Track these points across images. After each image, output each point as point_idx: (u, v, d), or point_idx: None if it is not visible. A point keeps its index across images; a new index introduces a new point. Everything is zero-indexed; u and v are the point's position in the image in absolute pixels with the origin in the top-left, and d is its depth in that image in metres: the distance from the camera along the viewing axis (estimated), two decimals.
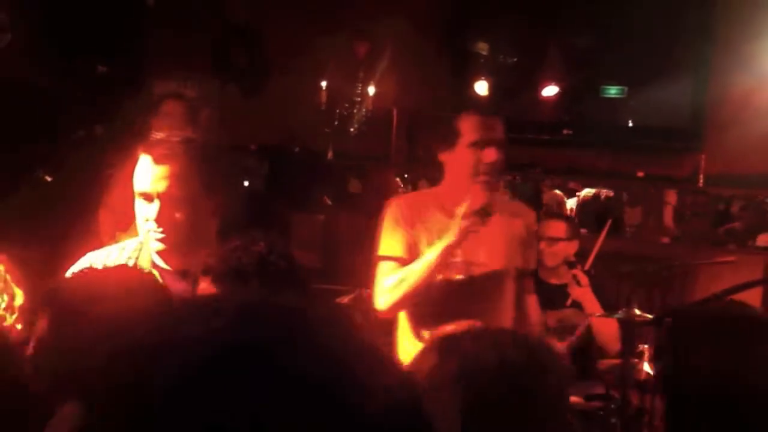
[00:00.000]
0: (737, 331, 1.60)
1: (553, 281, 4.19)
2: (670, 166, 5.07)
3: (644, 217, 5.16)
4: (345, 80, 5.53)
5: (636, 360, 3.71)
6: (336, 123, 5.53)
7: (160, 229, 2.12)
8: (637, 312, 3.62)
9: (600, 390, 3.63)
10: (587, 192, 5.34)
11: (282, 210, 5.76)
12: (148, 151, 2.13)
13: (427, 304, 2.78)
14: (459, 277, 2.79)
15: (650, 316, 3.43)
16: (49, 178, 4.29)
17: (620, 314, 3.55)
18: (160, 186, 2.11)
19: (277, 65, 5.85)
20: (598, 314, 3.65)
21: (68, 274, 2.12)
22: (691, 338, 1.61)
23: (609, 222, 4.47)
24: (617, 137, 5.18)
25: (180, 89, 4.40)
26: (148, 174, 2.13)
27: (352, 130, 5.52)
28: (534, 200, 5.53)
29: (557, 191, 5.36)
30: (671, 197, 5.07)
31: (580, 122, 5.28)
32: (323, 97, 5.53)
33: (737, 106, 4.78)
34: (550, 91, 5.31)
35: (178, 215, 2.13)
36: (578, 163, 5.31)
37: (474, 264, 2.81)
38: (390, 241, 2.78)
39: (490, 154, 2.72)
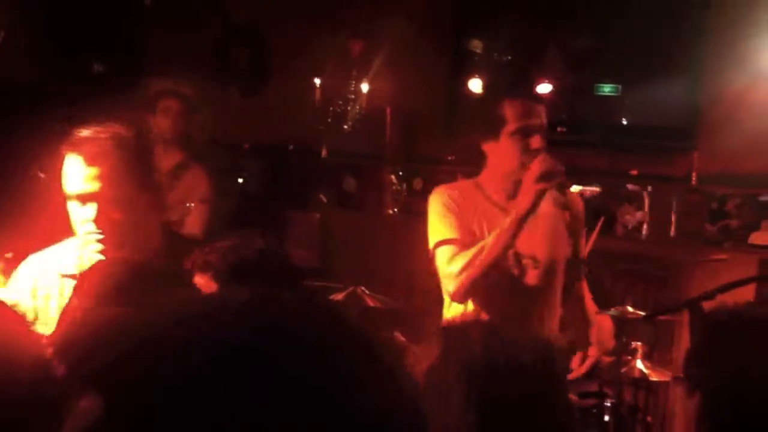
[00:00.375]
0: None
1: None
2: (664, 165, 5.07)
3: (638, 216, 5.17)
4: (339, 78, 5.53)
5: (629, 357, 3.73)
6: (330, 121, 5.52)
7: (99, 231, 2.04)
8: (630, 309, 3.64)
9: (594, 387, 3.64)
10: (578, 189, 5.33)
11: (277, 208, 5.76)
12: (74, 150, 2.03)
13: (478, 301, 2.75)
14: (513, 271, 2.75)
15: (643, 314, 3.46)
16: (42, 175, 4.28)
17: (614, 312, 3.57)
18: (94, 187, 2.01)
19: (273, 64, 5.85)
20: (594, 311, 3.66)
21: (15, 274, 2.10)
22: (731, 339, 1.58)
23: (602, 220, 4.47)
24: (612, 136, 5.18)
25: (176, 87, 4.39)
26: (79, 175, 2.02)
27: (346, 127, 5.52)
28: None
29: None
30: (665, 196, 5.08)
31: (574, 121, 5.27)
32: (317, 94, 5.52)
33: (731, 105, 4.78)
34: (544, 89, 5.30)
35: (116, 215, 2.04)
36: (573, 162, 5.31)
37: (526, 257, 2.77)
38: (444, 227, 2.73)
39: (536, 141, 2.69)
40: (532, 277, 2.78)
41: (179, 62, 5.29)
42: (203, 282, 1.97)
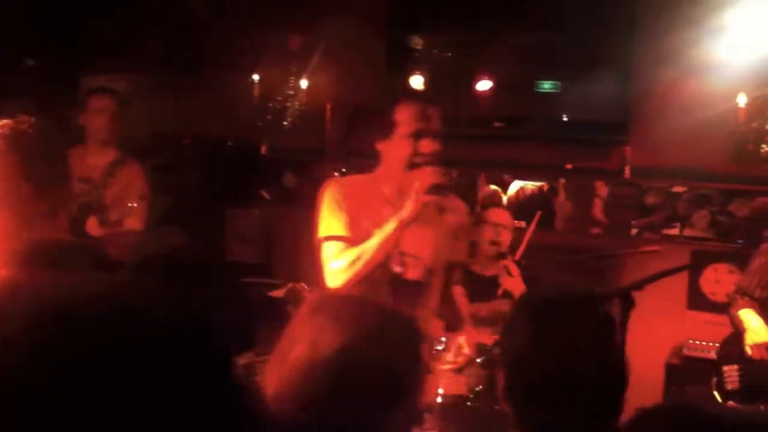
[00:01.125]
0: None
1: (485, 273, 4.27)
2: (598, 159, 5.18)
3: (574, 209, 5.27)
4: (278, 74, 5.51)
5: None
6: (269, 117, 5.49)
7: None
8: None
9: None
10: (518, 185, 5.42)
11: (217, 205, 5.72)
12: None
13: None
14: (396, 268, 2.82)
15: None
16: None
17: None
18: None
19: (210, 59, 5.79)
20: None
21: None
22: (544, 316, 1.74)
23: (539, 214, 4.55)
24: (549, 131, 5.26)
25: (109, 83, 4.32)
26: None
27: (285, 123, 5.50)
28: (470, 194, 5.59)
29: (493, 186, 5.44)
30: (600, 189, 5.18)
31: (513, 116, 5.35)
32: (256, 90, 5.49)
33: (661, 99, 4.90)
34: (484, 85, 5.36)
35: None
36: (511, 157, 5.39)
37: (409, 255, 2.84)
38: (333, 222, 2.79)
39: (427, 145, 2.75)
40: (414, 275, 2.85)
41: (116, 57, 5.21)
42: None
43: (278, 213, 5.79)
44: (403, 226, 2.70)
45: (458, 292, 3.14)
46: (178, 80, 5.70)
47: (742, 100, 4.68)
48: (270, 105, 5.50)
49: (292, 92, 5.48)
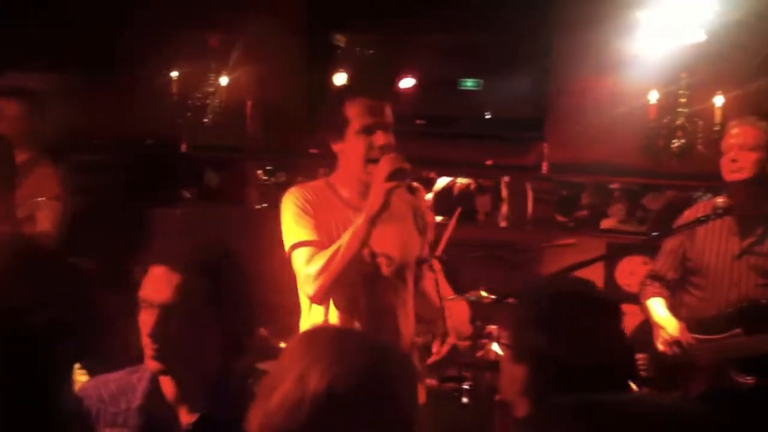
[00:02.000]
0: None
1: None
2: (517, 155, 5.27)
3: (493, 204, 5.35)
4: (198, 71, 5.44)
5: (485, 341, 3.86)
6: (189, 114, 5.42)
7: None
8: (484, 294, 3.77)
9: (453, 372, 3.74)
10: (443, 182, 5.47)
11: (136, 205, 5.61)
12: None
13: (336, 300, 2.76)
14: (368, 269, 2.78)
15: (494, 297, 3.59)
16: None
17: (469, 296, 3.69)
18: None
19: (127, 57, 5.68)
20: (449, 298, 3.76)
21: None
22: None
23: (459, 210, 4.60)
24: (471, 128, 5.33)
25: (17, 85, 4.19)
26: None
27: (206, 121, 5.43)
28: None
29: (414, 183, 5.47)
30: (518, 185, 5.27)
31: (435, 114, 5.40)
32: (175, 88, 5.41)
33: (577, 96, 5.01)
34: (407, 83, 5.40)
35: None
36: (433, 155, 5.44)
37: (380, 255, 2.80)
38: (299, 229, 2.73)
39: (381, 138, 2.73)
40: (386, 274, 2.82)
41: (28, 55, 5.08)
42: None
43: (200, 212, 5.72)
44: (371, 220, 2.62)
45: (429, 282, 3.10)
46: (94, 78, 5.57)
47: (653, 97, 4.82)
48: (189, 102, 5.42)
49: (212, 89, 5.42)
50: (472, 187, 5.40)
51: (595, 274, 4.81)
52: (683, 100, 4.78)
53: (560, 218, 5.17)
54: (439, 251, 4.28)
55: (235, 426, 1.50)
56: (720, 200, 3.39)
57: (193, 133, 5.54)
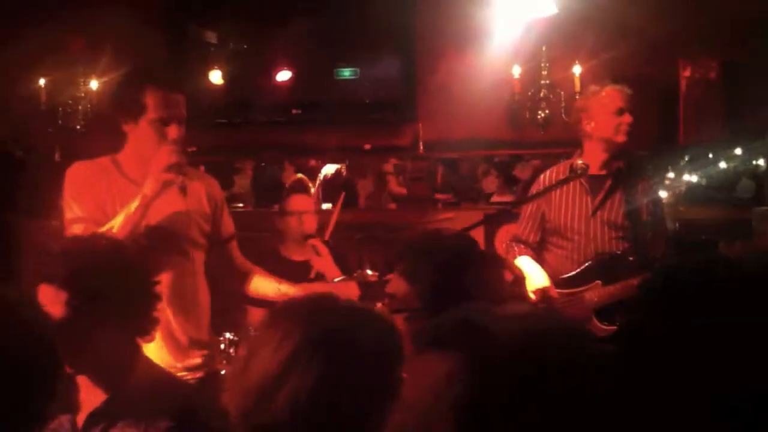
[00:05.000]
0: None
1: (296, 258, 4.38)
2: (393, 137, 5.40)
3: (373, 187, 5.48)
4: (65, 76, 5.29)
5: None
6: (60, 122, 5.29)
7: None
8: (369, 273, 3.88)
9: None
10: (329, 169, 5.56)
11: (12, 217, 5.45)
12: None
13: None
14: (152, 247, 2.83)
15: (378, 275, 3.70)
16: None
17: (355, 276, 3.79)
18: None
19: None
20: (338, 279, 3.85)
21: None
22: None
23: (342, 195, 4.71)
24: (346, 114, 5.43)
25: None
26: None
27: (78, 127, 5.31)
28: (276, 181, 5.67)
29: (299, 174, 5.54)
30: (388, 166, 5.41)
31: (312, 102, 5.46)
32: (43, 95, 5.26)
33: (443, 75, 5.17)
34: (283, 75, 5.44)
35: None
36: (310, 142, 5.51)
37: (155, 237, 2.85)
38: (75, 204, 2.81)
39: (174, 131, 2.81)
40: (173, 255, 2.91)
41: None
42: None
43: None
44: (146, 204, 2.72)
45: (245, 263, 3.23)
46: None
47: (516, 71, 5.03)
48: (60, 109, 5.28)
49: (82, 95, 5.30)
50: (343, 173, 5.51)
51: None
52: (545, 72, 5.01)
53: (438, 195, 5.35)
54: (326, 236, 4.39)
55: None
56: (579, 162, 3.56)
57: (66, 141, 5.37)
